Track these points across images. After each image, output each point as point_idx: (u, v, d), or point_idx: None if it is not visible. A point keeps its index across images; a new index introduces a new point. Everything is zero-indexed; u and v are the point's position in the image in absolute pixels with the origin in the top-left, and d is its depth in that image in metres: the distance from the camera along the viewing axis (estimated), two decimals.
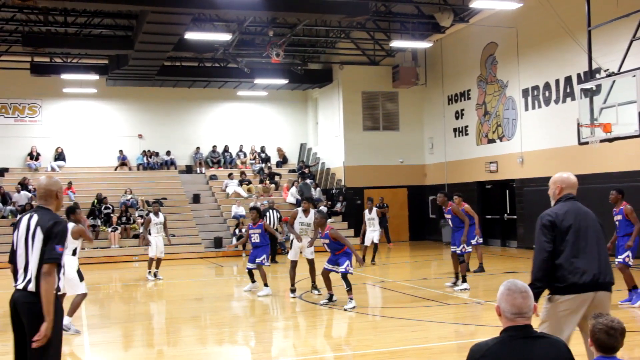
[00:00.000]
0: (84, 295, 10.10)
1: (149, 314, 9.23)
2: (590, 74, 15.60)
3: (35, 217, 5.12)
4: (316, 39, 27.75)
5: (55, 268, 4.97)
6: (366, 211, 18.98)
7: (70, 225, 9.90)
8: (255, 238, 13.85)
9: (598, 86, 14.68)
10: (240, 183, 28.54)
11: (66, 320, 9.71)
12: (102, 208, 25.18)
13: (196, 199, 27.69)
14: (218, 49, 24.58)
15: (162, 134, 30.67)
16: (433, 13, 23.49)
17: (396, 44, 24.89)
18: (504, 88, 23.68)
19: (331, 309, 11.89)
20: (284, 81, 28.62)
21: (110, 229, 24.26)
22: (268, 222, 18.82)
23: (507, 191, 23.87)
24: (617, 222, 11.34)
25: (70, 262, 9.62)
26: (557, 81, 20.78)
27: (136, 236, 24.36)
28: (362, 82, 28.68)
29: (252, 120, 32.11)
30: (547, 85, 21.31)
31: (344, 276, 11.67)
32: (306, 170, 30.16)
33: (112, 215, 24.96)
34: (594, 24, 15.59)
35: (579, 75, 19.39)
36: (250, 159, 31.31)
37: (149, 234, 17.25)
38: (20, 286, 5.02)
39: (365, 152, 28.35)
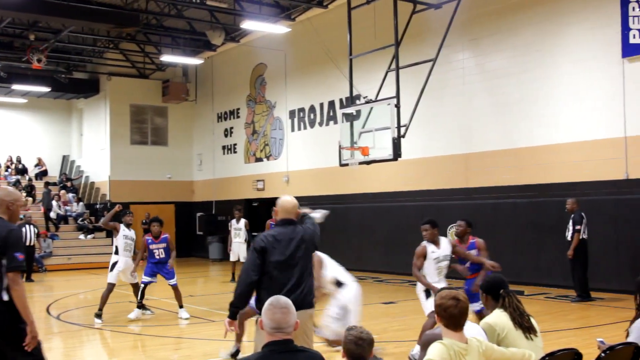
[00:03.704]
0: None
1: None
2: (351, 99, 16.53)
3: None
4: (83, 47, 26.59)
5: (20, 275, 5.11)
6: (233, 221, 17.54)
7: None
8: (160, 253, 12.28)
9: (358, 111, 15.60)
10: None
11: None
12: None
13: None
14: None
15: None
16: (205, 30, 23.62)
17: (167, 58, 24.69)
18: (272, 108, 24.41)
19: (91, 328, 11.37)
20: (46, 89, 27.11)
21: None
22: (24, 238, 17.57)
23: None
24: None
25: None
26: (322, 104, 21.87)
27: None
28: (130, 95, 27.97)
29: (9, 129, 29.84)
30: (312, 108, 22.34)
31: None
32: (68, 184, 28.69)
33: None
34: (355, 53, 16.63)
35: (341, 100, 20.56)
36: (5, 171, 29.08)
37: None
38: None
39: (133, 166, 27.62)
